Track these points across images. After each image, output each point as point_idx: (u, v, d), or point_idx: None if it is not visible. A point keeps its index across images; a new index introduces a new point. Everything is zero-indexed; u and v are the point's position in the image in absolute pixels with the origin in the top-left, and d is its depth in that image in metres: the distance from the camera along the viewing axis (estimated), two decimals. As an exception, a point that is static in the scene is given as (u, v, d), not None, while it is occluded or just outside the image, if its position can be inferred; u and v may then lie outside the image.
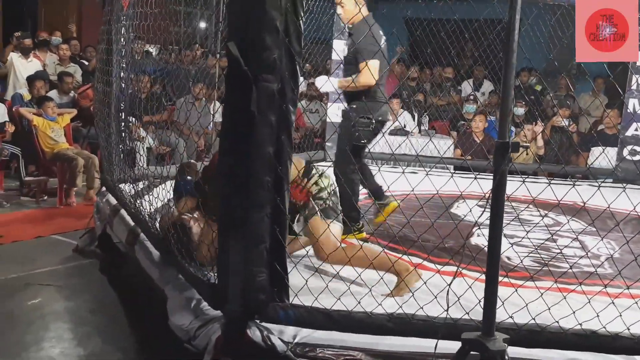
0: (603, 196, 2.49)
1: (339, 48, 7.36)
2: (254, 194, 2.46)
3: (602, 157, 7.07)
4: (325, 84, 4.23)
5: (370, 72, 3.90)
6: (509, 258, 3.76)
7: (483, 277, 2.16)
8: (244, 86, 2.39)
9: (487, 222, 2.13)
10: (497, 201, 2.06)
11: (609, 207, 2.51)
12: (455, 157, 7.76)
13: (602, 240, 3.33)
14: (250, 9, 2.39)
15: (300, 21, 2.44)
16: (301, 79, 3.21)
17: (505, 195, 2.11)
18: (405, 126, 8.34)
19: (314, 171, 3.40)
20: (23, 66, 8.38)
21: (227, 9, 2.57)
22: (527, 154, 7.30)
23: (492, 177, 2.08)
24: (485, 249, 2.16)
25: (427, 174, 2.71)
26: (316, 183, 3.35)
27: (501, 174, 2.03)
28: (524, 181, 2.37)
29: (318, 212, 3.22)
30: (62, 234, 5.48)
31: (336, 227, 3.25)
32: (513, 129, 7.98)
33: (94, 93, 6.38)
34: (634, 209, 2.49)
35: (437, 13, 6.51)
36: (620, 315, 2.46)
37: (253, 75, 2.37)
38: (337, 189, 3.44)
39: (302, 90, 8.94)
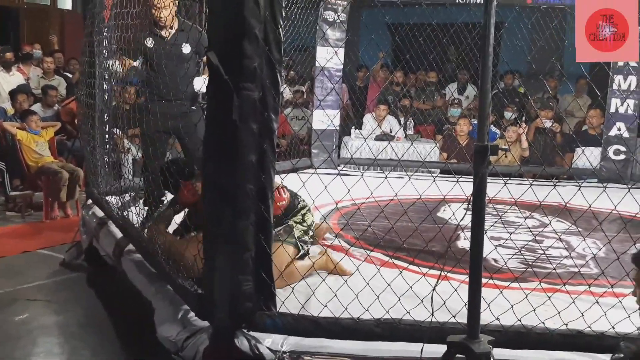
0: (584, 196, 2.51)
1: (322, 55, 7.39)
2: (239, 202, 2.47)
3: (588, 157, 7.13)
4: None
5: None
6: (495, 260, 3.78)
7: (468, 279, 2.17)
8: (225, 95, 2.39)
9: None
10: (478, 204, 2.08)
11: (590, 208, 2.53)
12: (440, 160, 7.80)
13: (584, 240, 3.35)
14: (230, 18, 2.40)
15: (280, 29, 2.45)
16: (285, 86, 3.26)
17: (488, 198, 2.13)
18: (391, 131, 8.38)
19: (302, 203, 3.64)
20: (5, 80, 8.32)
21: (207, 18, 2.58)
22: (506, 156, 7.34)
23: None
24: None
25: (409, 179, 2.72)
26: (303, 215, 3.60)
27: (481, 176, 2.05)
28: (505, 183, 2.39)
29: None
30: (49, 248, 5.44)
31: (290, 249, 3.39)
32: (497, 131, 8.02)
33: (78, 106, 6.36)
34: (615, 208, 2.52)
35: (419, 18, 6.57)
36: (605, 315, 2.48)
37: (234, 84, 2.38)
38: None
39: (288, 97, 8.95)
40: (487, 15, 2.07)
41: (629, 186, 2.71)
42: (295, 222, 3.59)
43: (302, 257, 3.53)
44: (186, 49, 4.34)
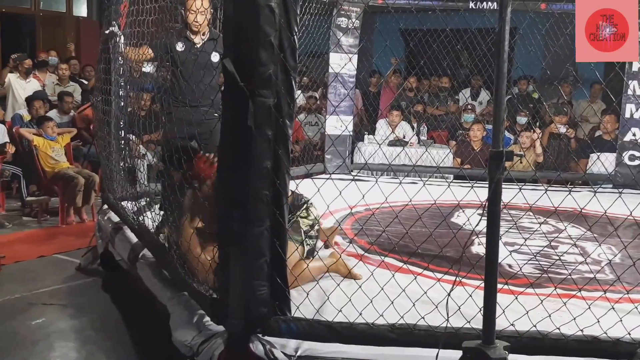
0: (599, 202, 2.51)
1: (335, 61, 7.41)
2: (253, 208, 2.48)
3: (603, 162, 7.09)
4: None
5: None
6: (509, 266, 3.76)
7: (483, 285, 2.17)
8: (240, 102, 2.41)
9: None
10: (493, 209, 2.08)
11: (605, 213, 2.52)
12: (454, 166, 7.79)
13: (600, 245, 3.34)
14: (245, 25, 2.42)
15: (295, 36, 2.47)
16: (299, 92, 3.28)
17: (503, 203, 2.13)
18: (404, 136, 8.38)
19: (305, 198, 3.66)
20: (21, 87, 8.43)
21: (223, 26, 2.60)
22: (520, 162, 7.32)
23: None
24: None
25: (423, 185, 2.73)
26: (307, 209, 3.62)
27: (496, 182, 2.05)
28: (520, 189, 2.39)
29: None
30: (65, 253, 5.49)
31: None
32: (511, 137, 8.00)
33: (94, 112, 6.42)
34: (631, 214, 2.51)
35: (432, 24, 6.57)
36: (621, 320, 2.47)
37: (249, 91, 2.40)
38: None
39: (301, 103, 8.97)
40: (501, 21, 2.07)
41: (645, 192, 2.70)
42: (301, 216, 3.61)
43: (310, 253, 3.56)
44: (215, 57, 4.36)
